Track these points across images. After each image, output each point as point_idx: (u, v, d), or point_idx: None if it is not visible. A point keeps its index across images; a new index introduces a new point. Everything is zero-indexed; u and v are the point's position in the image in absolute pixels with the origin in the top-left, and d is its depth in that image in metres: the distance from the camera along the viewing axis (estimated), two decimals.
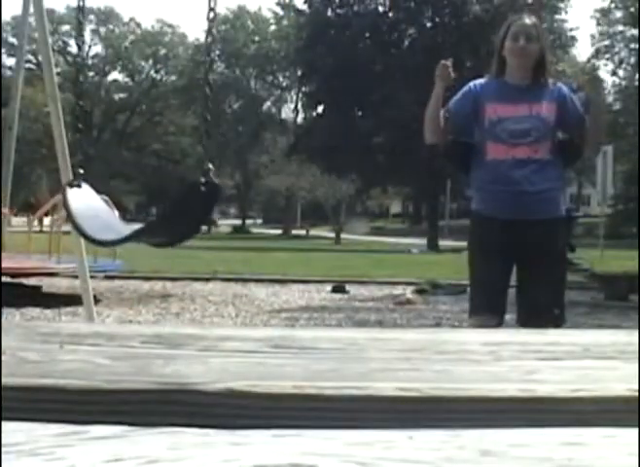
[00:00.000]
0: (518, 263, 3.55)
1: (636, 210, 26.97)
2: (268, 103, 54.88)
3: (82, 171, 4.66)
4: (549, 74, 3.57)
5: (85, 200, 4.51)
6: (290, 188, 39.94)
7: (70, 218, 4.44)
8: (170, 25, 58.71)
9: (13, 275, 8.68)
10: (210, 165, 3.82)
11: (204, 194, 3.82)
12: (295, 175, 37.86)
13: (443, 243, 27.73)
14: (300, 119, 48.08)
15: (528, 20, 3.57)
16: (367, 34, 31.74)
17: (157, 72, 57.86)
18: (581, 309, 8.55)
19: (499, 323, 3.46)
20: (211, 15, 3.98)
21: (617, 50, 43.66)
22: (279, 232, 47.19)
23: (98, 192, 4.71)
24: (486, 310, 3.49)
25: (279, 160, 42.59)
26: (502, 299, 3.55)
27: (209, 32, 4.09)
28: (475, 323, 3.49)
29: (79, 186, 4.54)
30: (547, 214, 3.51)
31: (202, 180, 3.79)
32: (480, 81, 3.63)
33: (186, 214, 4.05)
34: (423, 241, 29.06)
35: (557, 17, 32.77)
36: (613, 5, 42.38)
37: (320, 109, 34.42)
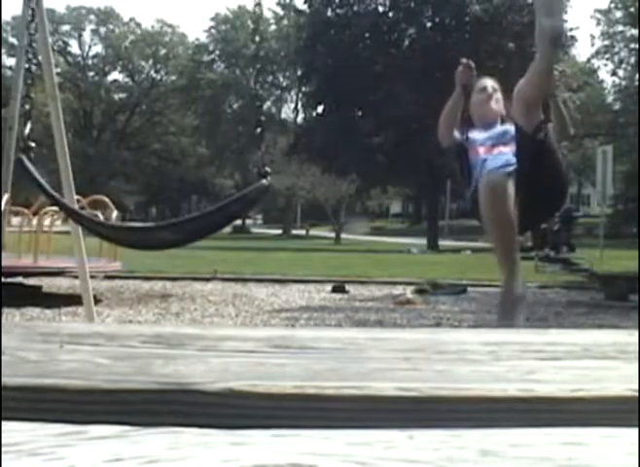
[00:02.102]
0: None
1: (636, 210, 26.98)
2: (268, 103, 54.85)
3: (33, 144, 4.40)
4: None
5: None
6: (290, 188, 39.94)
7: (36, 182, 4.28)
8: (170, 25, 58.82)
9: (25, 275, 8.70)
10: (268, 169, 4.10)
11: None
12: (295, 175, 37.85)
13: (443, 243, 27.72)
14: (300, 119, 48.10)
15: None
16: (367, 34, 31.71)
17: (157, 72, 57.89)
18: (581, 309, 8.56)
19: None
20: None
21: (617, 50, 43.68)
22: (279, 232, 47.19)
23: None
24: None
25: (279, 160, 42.58)
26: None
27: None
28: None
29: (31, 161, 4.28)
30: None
31: (267, 183, 4.06)
32: None
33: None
34: (423, 241, 29.05)
35: None
36: (613, 5, 42.40)
37: (320, 109, 34.39)
